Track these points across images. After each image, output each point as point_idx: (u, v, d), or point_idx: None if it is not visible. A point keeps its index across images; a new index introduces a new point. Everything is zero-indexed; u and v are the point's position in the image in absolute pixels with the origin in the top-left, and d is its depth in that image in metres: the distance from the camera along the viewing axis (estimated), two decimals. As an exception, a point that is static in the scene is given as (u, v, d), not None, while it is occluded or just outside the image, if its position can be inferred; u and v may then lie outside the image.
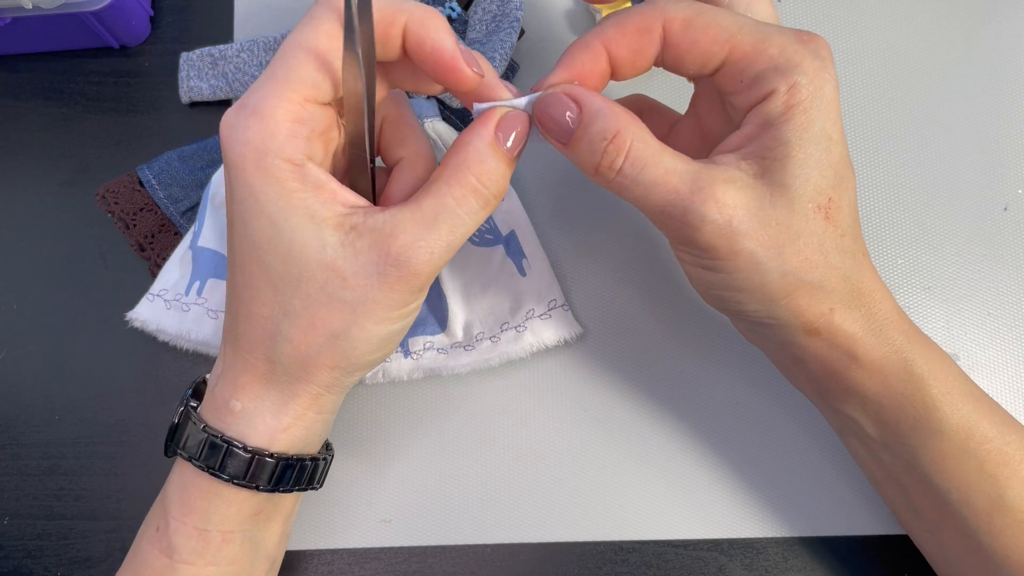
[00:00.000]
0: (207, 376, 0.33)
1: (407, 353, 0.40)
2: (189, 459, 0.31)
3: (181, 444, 0.31)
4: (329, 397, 0.32)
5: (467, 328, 0.40)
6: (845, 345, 0.31)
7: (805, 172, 0.29)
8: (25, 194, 0.44)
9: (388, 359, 0.40)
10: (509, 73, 0.43)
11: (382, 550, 0.39)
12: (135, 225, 0.41)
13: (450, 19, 0.42)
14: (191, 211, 0.42)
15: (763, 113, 0.29)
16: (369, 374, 0.39)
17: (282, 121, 0.28)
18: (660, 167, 0.29)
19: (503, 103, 0.31)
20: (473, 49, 0.40)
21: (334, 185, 0.29)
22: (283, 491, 0.32)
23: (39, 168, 0.44)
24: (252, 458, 0.30)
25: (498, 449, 0.40)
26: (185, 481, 0.31)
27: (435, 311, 0.40)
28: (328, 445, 0.36)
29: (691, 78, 0.33)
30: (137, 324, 0.39)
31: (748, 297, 0.30)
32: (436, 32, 0.29)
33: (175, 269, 0.40)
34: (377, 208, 0.29)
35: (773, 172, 0.29)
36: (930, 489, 0.32)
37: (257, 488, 0.31)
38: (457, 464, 0.40)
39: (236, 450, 0.30)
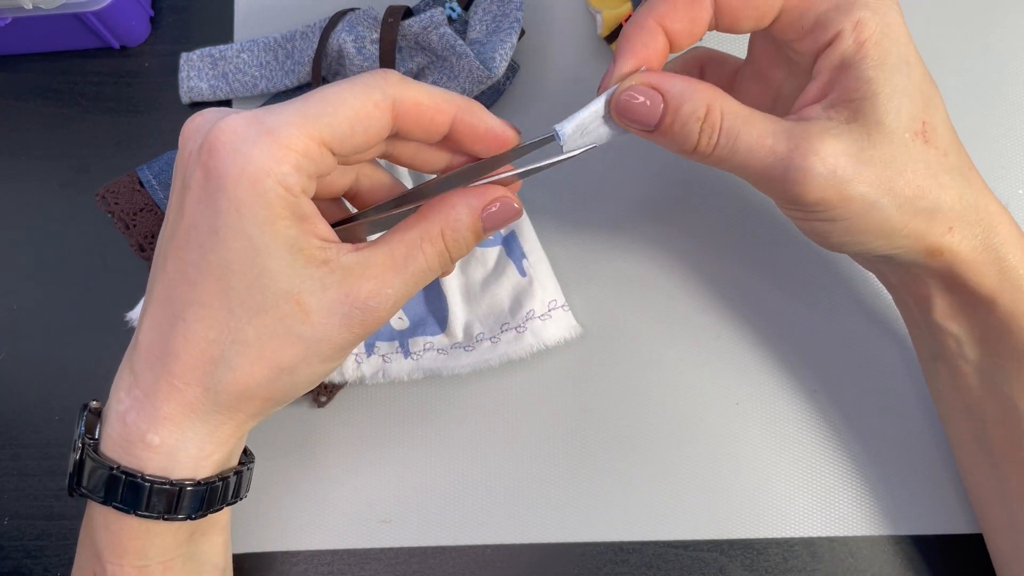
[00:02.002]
0: (93, 403, 0.31)
1: (407, 353, 0.40)
2: (105, 502, 0.29)
3: (89, 486, 0.29)
4: (250, 424, 0.31)
5: (467, 329, 0.40)
6: (966, 260, 0.31)
7: (895, 104, 0.29)
8: (25, 194, 0.44)
9: (388, 359, 0.40)
10: (509, 73, 0.43)
11: (382, 550, 0.39)
12: (135, 225, 0.41)
13: (450, 19, 0.42)
14: (191, 211, 0.42)
15: (835, 56, 0.29)
16: (369, 374, 0.39)
17: (295, 151, 0.27)
18: (754, 133, 0.29)
19: (583, 112, 0.30)
20: (473, 49, 0.41)
21: (316, 219, 0.29)
22: (214, 511, 0.31)
23: (39, 168, 0.44)
24: (179, 491, 0.29)
25: (498, 449, 0.40)
26: (110, 524, 0.30)
27: (435, 312, 0.40)
28: (246, 451, 0.34)
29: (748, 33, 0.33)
30: (136, 324, 0.39)
31: (869, 237, 0.30)
32: (487, 117, 0.30)
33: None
34: (349, 246, 0.29)
35: (864, 113, 0.29)
36: (1012, 417, 0.32)
37: (190, 518, 0.30)
38: (457, 464, 0.40)
39: (161, 487, 0.29)
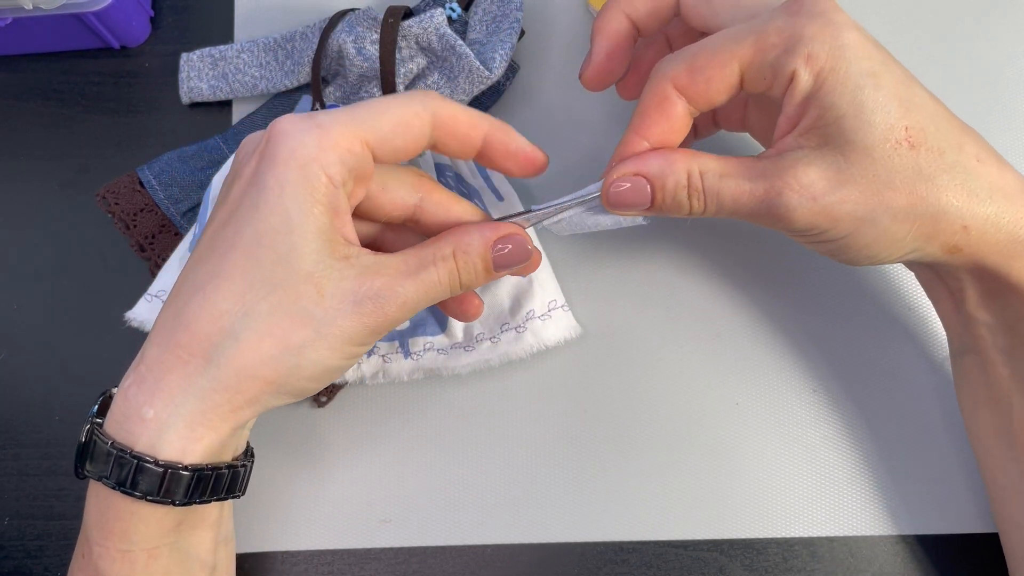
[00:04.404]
0: (114, 390, 0.32)
1: (407, 353, 0.40)
2: (99, 478, 0.30)
3: (90, 463, 0.30)
4: (247, 413, 0.30)
5: (467, 329, 0.40)
6: (990, 252, 0.31)
7: (864, 121, 0.29)
8: (25, 194, 0.44)
9: (388, 359, 0.40)
10: (509, 74, 0.43)
11: (382, 550, 0.39)
12: (135, 226, 0.41)
13: (450, 19, 0.42)
14: (191, 212, 0.42)
15: (797, 94, 0.30)
16: (369, 374, 0.40)
17: (341, 144, 0.29)
18: (731, 184, 0.31)
19: (573, 201, 0.33)
20: (473, 49, 0.41)
21: (347, 217, 0.31)
22: (201, 503, 0.31)
23: (39, 168, 0.44)
24: (165, 472, 0.29)
25: (498, 449, 0.40)
26: (100, 502, 0.30)
27: (435, 312, 0.40)
28: (248, 451, 0.34)
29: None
30: (135, 324, 0.39)
31: (876, 248, 0.31)
32: (517, 137, 0.33)
33: (174, 270, 0.40)
34: (368, 250, 0.31)
35: (833, 136, 0.29)
36: None
37: (172, 503, 0.30)
38: (457, 464, 0.40)
39: (147, 465, 0.29)
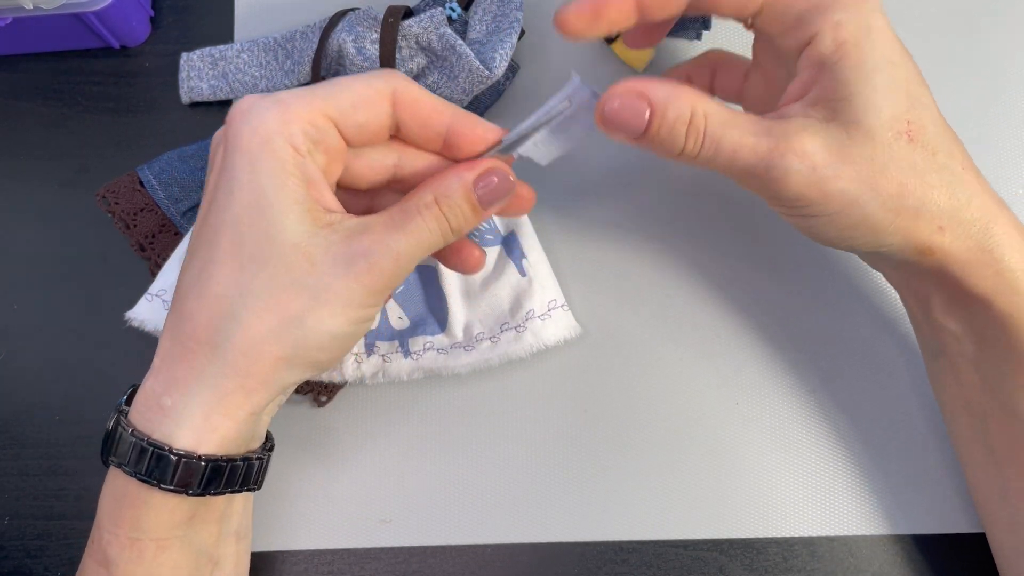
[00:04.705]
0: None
1: (407, 353, 0.40)
2: (119, 465, 0.30)
3: (114, 451, 0.30)
4: (263, 395, 0.30)
5: (467, 328, 0.40)
6: (959, 260, 0.31)
7: (874, 105, 0.29)
8: (25, 194, 0.44)
9: (388, 359, 0.40)
10: (509, 74, 0.43)
11: (382, 550, 0.39)
12: (135, 225, 0.41)
13: (450, 19, 0.42)
14: (191, 211, 0.42)
15: (814, 56, 0.30)
16: (369, 374, 0.39)
17: (302, 117, 0.29)
18: (735, 134, 0.30)
19: (541, 119, 0.31)
20: (473, 49, 0.41)
21: (324, 186, 0.30)
22: (214, 494, 0.31)
23: (39, 168, 0.44)
24: (179, 461, 0.29)
25: (498, 449, 0.40)
26: (116, 490, 0.31)
27: (435, 311, 0.40)
28: (268, 442, 0.34)
29: (739, 20, 0.33)
30: (136, 324, 0.39)
31: (856, 233, 0.31)
32: (484, 123, 0.32)
33: (175, 269, 0.40)
34: (351, 215, 0.31)
35: (842, 112, 0.29)
36: (1012, 416, 0.33)
37: (186, 493, 0.30)
38: (457, 464, 0.40)
39: (163, 453, 0.29)
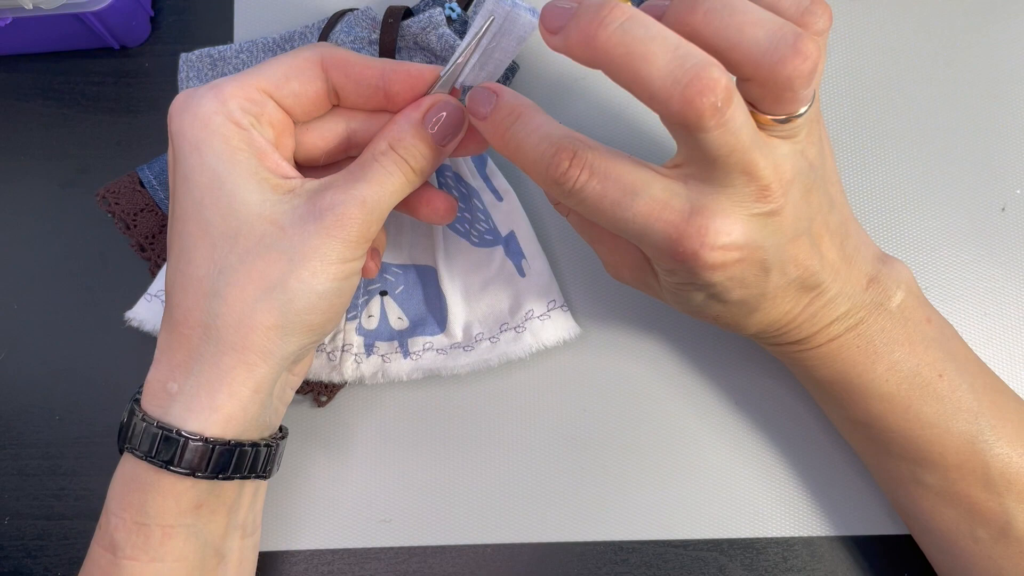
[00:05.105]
0: None
1: (407, 354, 0.40)
2: (131, 451, 0.30)
3: (128, 438, 0.31)
4: (265, 369, 0.30)
5: (466, 329, 0.40)
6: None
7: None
8: (25, 194, 0.44)
9: (388, 359, 0.40)
10: (509, 74, 0.43)
11: (382, 550, 0.39)
12: (135, 225, 0.41)
13: (449, 19, 0.42)
14: (191, 211, 0.42)
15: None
16: (369, 374, 0.40)
17: (237, 94, 0.30)
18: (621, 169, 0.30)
19: (476, 38, 0.32)
20: (473, 49, 0.41)
21: (276, 156, 0.31)
22: (223, 479, 0.31)
23: (39, 168, 0.44)
24: (186, 442, 0.30)
25: (498, 449, 0.40)
26: (126, 473, 0.31)
27: (434, 312, 0.40)
28: (282, 432, 0.35)
29: None
30: (135, 324, 0.39)
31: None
32: (416, 65, 0.32)
33: (175, 269, 0.40)
34: (311, 180, 0.31)
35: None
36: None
37: (194, 475, 0.30)
38: (457, 464, 0.40)
39: (171, 435, 0.30)
